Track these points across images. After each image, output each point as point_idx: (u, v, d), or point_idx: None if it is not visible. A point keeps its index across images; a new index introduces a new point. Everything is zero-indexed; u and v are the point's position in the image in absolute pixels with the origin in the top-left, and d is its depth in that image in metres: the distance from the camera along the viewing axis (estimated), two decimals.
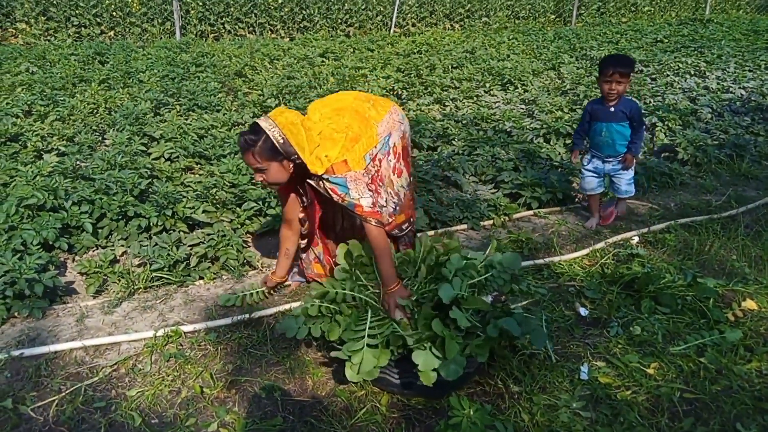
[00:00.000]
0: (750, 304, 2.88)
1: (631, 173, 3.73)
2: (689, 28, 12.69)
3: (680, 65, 8.27)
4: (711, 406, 2.26)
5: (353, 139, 2.40)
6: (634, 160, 3.68)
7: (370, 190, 2.42)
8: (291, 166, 2.42)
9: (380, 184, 2.50)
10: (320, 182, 2.43)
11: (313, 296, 2.31)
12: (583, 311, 2.87)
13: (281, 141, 2.33)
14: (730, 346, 2.56)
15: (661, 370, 2.44)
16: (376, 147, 2.46)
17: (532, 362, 2.47)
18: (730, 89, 7.00)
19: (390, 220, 2.61)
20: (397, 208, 2.64)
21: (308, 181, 2.50)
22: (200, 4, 10.11)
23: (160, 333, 2.65)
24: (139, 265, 3.25)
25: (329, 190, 2.42)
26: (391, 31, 11.70)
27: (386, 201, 2.56)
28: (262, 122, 2.35)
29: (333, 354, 2.14)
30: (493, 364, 2.43)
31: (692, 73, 7.96)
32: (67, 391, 2.32)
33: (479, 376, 2.39)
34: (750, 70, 8.10)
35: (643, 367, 2.45)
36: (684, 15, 15.30)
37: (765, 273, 3.17)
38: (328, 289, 2.30)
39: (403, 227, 2.76)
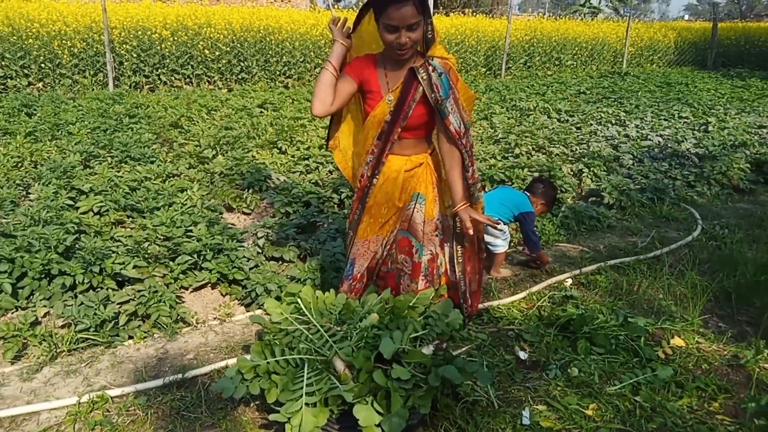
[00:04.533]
0: (678, 341, 3.00)
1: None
2: (609, 80, 13.56)
3: (602, 115, 8.78)
4: None
5: None
6: None
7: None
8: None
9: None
10: (427, 72, 2.32)
11: (243, 367, 2.20)
12: (522, 355, 2.90)
13: None
14: (662, 383, 2.64)
15: (599, 411, 2.48)
16: None
17: (475, 409, 2.46)
18: (649, 137, 7.47)
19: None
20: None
21: (414, 66, 2.35)
22: (134, 55, 9.98)
23: (84, 399, 2.47)
24: (62, 326, 3.06)
25: (433, 85, 2.33)
26: None
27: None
28: None
29: (271, 417, 2.06)
30: (436, 414, 2.40)
31: (613, 122, 8.46)
32: None
33: (422, 427, 2.35)
34: (665, 119, 8.69)
35: (582, 409, 2.48)
36: (604, 68, 16.35)
37: (689, 310, 3.32)
38: (258, 362, 2.20)
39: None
